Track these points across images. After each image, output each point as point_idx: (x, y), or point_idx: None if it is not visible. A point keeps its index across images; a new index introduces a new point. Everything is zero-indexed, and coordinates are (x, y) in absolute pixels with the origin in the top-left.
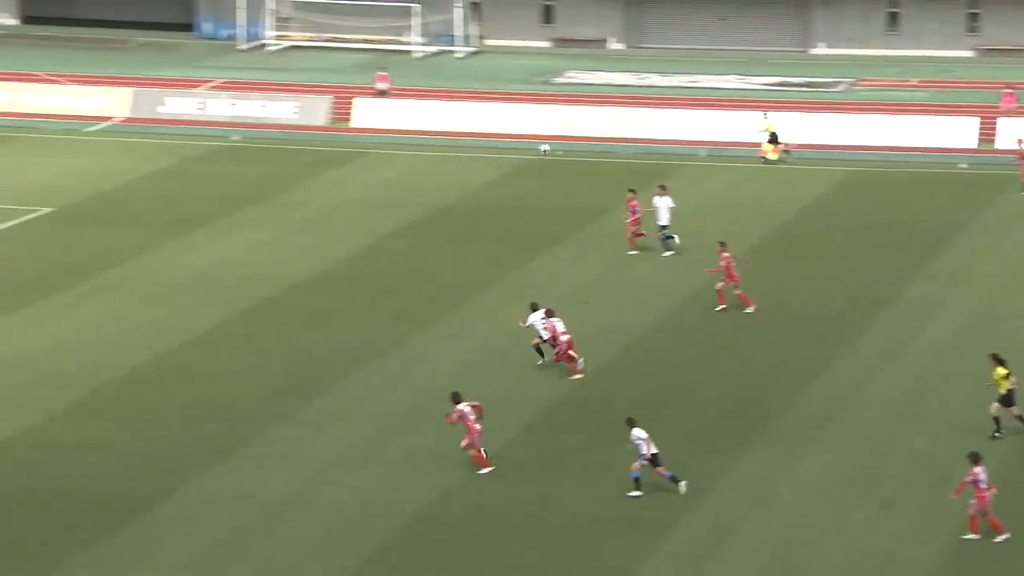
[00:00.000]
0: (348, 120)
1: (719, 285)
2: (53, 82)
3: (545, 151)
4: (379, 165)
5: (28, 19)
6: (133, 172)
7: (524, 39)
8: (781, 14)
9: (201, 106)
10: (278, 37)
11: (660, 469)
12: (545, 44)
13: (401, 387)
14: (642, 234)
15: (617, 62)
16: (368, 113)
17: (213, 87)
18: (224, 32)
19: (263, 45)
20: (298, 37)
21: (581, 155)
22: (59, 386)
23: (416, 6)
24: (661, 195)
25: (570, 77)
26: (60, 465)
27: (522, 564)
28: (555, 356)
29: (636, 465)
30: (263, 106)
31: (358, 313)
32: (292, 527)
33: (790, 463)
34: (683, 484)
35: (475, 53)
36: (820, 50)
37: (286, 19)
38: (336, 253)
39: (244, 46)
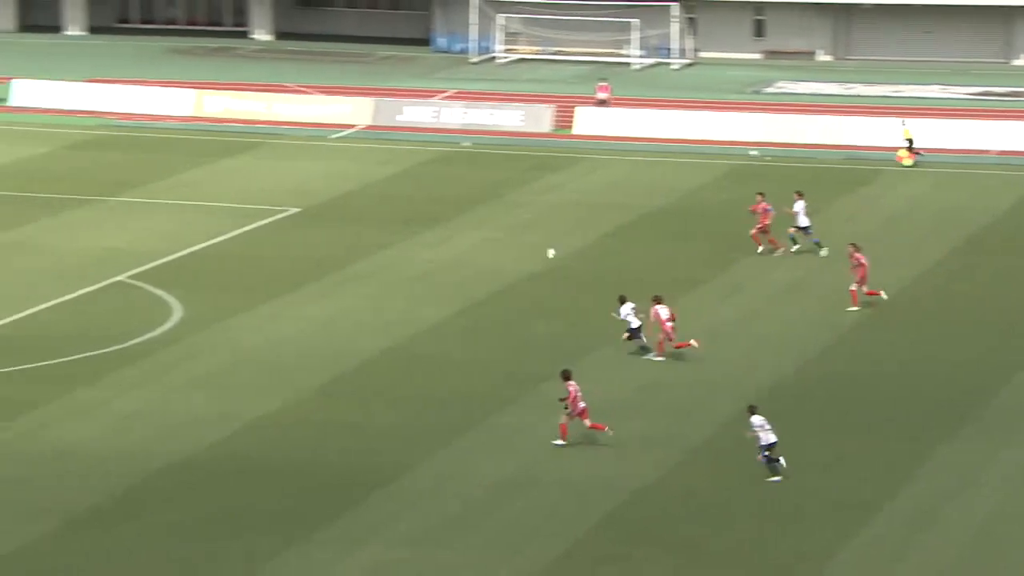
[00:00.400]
0: (570, 127)
1: (853, 287)
2: (302, 92)
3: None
4: (597, 169)
5: (282, 35)
6: (373, 175)
7: (737, 52)
8: (985, 27)
9: (435, 114)
10: (507, 50)
11: (770, 456)
12: (756, 56)
13: (622, 375)
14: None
15: (825, 73)
16: (589, 121)
17: (446, 97)
18: (458, 46)
19: (493, 58)
20: (525, 50)
21: (788, 161)
22: (307, 370)
23: (635, 21)
24: (798, 200)
25: (780, 87)
26: (307, 442)
27: (727, 545)
28: (660, 343)
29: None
30: (491, 114)
31: (579, 306)
32: (517, 505)
33: (996, 451)
34: (778, 474)
35: (690, 65)
36: (1023, 61)
37: (514, 34)
38: (557, 250)
39: (475, 59)
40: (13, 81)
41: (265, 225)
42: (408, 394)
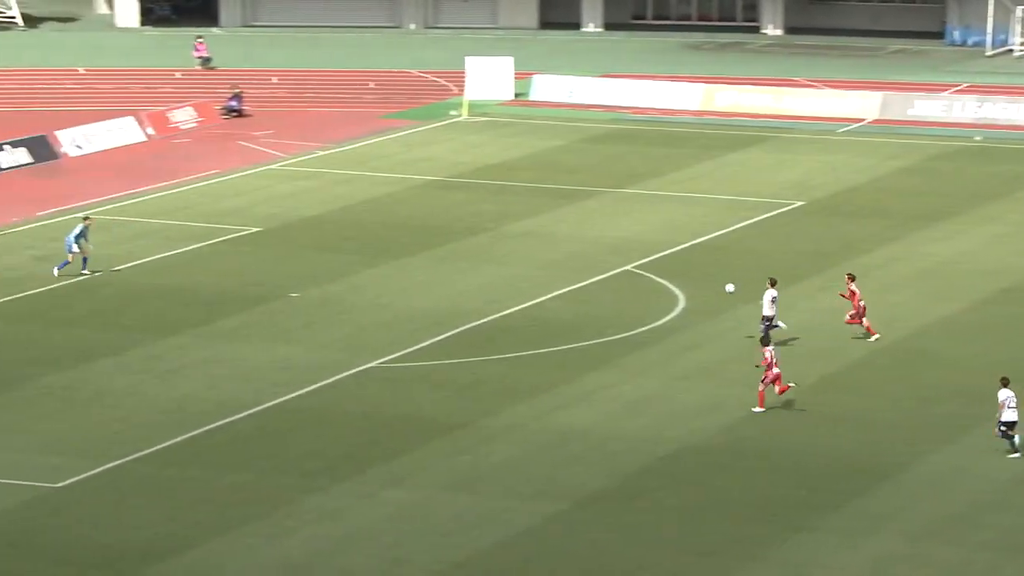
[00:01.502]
0: None
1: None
2: (810, 87)
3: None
4: None
5: (791, 30)
6: (879, 169)
7: None
8: None
9: (946, 108)
10: None
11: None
12: None
13: None
14: None
15: None
16: None
17: (959, 91)
18: (972, 39)
19: (1010, 51)
20: None
21: None
22: (808, 361)
23: None
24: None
25: None
26: (806, 432)
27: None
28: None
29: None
30: (1005, 109)
31: None
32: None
33: None
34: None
35: None
36: None
37: None
38: None
39: (991, 52)
40: (534, 76)
41: (769, 218)
42: (910, 388)
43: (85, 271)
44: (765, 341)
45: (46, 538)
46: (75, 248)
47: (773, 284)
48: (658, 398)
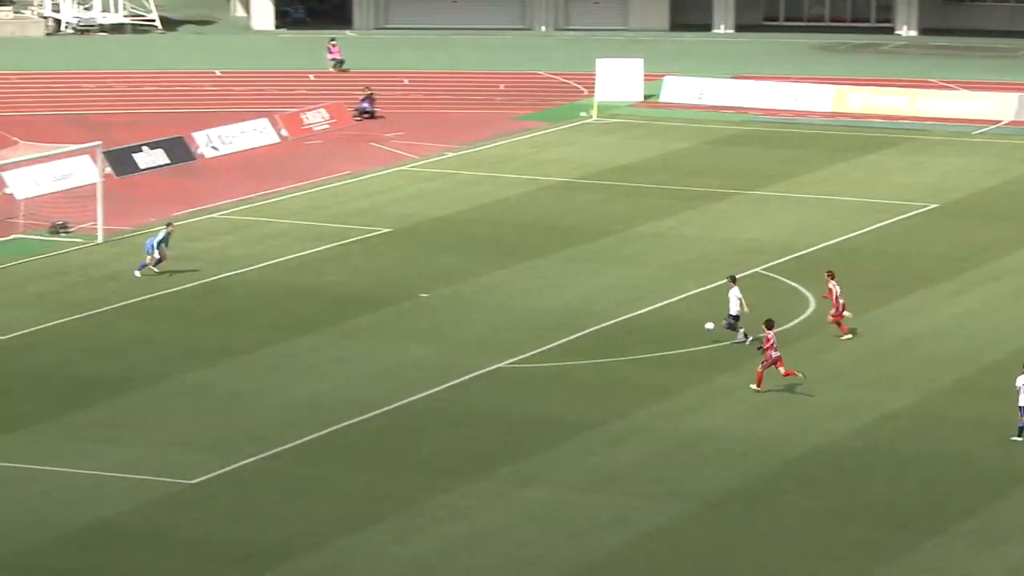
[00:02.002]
0: None
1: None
2: (945, 88)
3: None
4: None
5: (926, 31)
6: (1015, 171)
7: None
8: None
9: None
10: None
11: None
12: None
13: None
14: None
15: None
16: None
17: None
18: None
19: None
20: None
21: None
22: (941, 367)
23: None
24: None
25: None
26: (940, 436)
27: None
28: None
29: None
30: None
31: None
32: None
33: None
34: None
35: None
36: None
37: None
38: None
39: None
40: (665, 78)
41: (902, 220)
42: None
43: (155, 268)
44: (768, 324)
45: (180, 534)
46: (156, 252)
47: (734, 281)
48: (788, 400)
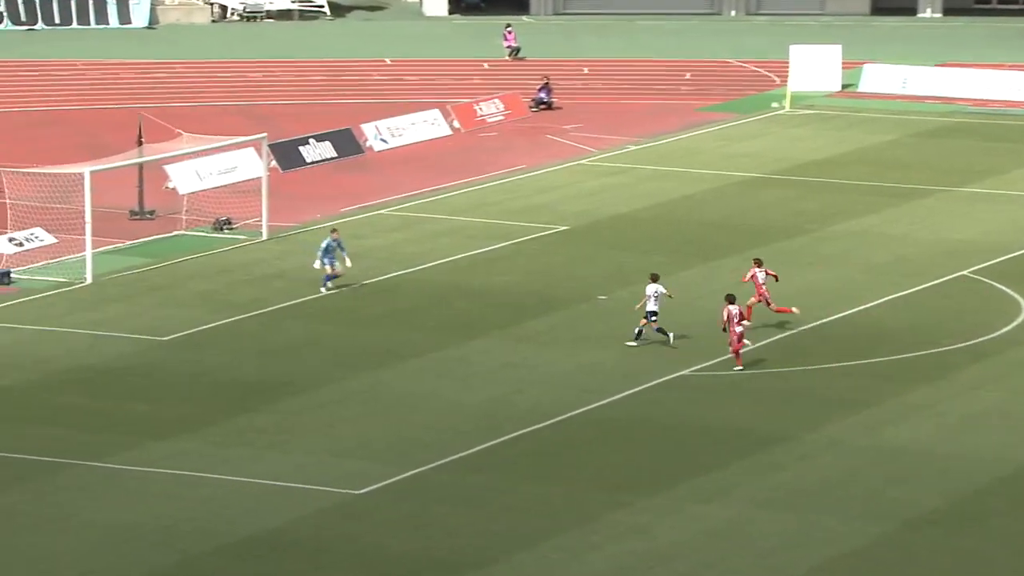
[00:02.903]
0: None
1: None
2: None
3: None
4: None
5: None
6: None
7: None
8: None
9: None
10: None
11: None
12: None
13: None
14: None
15: None
16: None
17: None
18: None
19: None
20: None
21: None
22: None
23: None
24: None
25: None
26: None
27: None
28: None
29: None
30: None
31: None
32: None
33: None
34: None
35: None
36: None
37: None
38: None
39: None
40: (864, 66)
41: None
42: None
43: (323, 288)
44: (730, 299)
45: (345, 546)
46: (327, 266)
47: (655, 279)
48: (997, 414)
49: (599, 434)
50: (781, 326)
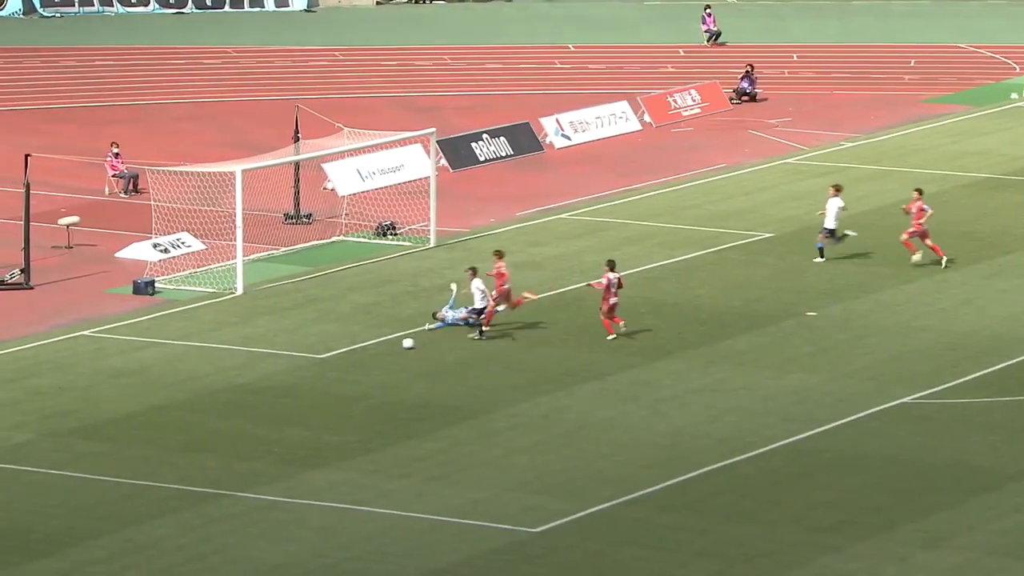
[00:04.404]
0: None
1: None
2: None
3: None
4: None
5: None
6: None
7: None
8: None
9: None
10: None
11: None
12: None
13: None
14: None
15: None
16: None
17: None
18: None
19: None
20: None
21: None
22: None
23: None
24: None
25: None
26: None
27: None
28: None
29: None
30: None
31: None
32: None
33: None
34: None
35: None
36: None
37: None
38: None
39: None
40: None
41: None
42: None
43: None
44: (611, 266)
45: None
46: (449, 313)
47: (473, 277)
48: None
49: (805, 469)
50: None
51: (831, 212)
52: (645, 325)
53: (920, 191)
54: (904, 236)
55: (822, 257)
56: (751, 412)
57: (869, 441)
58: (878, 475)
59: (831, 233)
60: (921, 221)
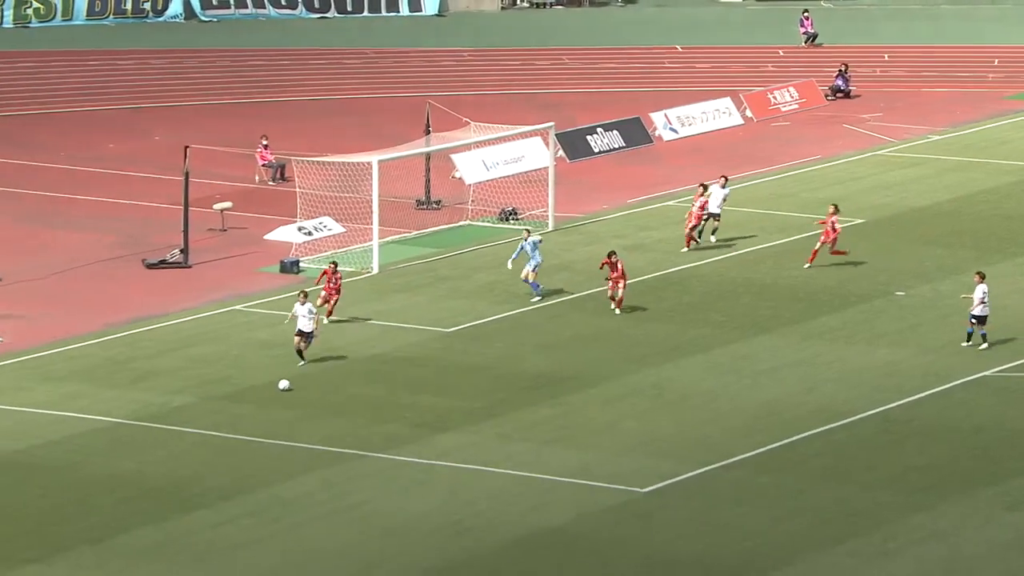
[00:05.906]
0: None
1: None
2: None
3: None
4: None
5: None
6: None
7: None
8: None
9: None
10: None
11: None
12: None
13: None
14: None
15: None
16: None
17: None
18: None
19: None
20: None
21: None
22: None
23: None
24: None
25: None
26: None
27: None
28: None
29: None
30: None
31: None
32: None
33: None
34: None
35: None
36: None
37: None
38: None
39: None
40: None
41: None
42: None
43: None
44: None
45: (632, 547)
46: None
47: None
48: None
49: (896, 436)
50: None
51: (977, 298)
52: (745, 304)
53: (836, 207)
54: (817, 245)
55: (968, 341)
56: (844, 383)
57: (955, 411)
58: (963, 442)
59: (981, 321)
60: (832, 235)
